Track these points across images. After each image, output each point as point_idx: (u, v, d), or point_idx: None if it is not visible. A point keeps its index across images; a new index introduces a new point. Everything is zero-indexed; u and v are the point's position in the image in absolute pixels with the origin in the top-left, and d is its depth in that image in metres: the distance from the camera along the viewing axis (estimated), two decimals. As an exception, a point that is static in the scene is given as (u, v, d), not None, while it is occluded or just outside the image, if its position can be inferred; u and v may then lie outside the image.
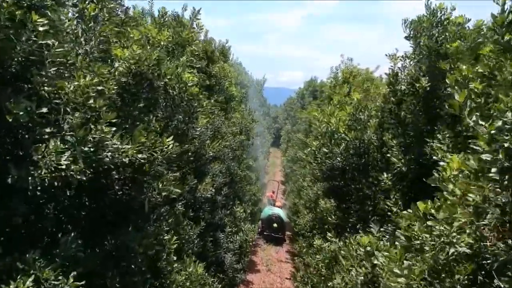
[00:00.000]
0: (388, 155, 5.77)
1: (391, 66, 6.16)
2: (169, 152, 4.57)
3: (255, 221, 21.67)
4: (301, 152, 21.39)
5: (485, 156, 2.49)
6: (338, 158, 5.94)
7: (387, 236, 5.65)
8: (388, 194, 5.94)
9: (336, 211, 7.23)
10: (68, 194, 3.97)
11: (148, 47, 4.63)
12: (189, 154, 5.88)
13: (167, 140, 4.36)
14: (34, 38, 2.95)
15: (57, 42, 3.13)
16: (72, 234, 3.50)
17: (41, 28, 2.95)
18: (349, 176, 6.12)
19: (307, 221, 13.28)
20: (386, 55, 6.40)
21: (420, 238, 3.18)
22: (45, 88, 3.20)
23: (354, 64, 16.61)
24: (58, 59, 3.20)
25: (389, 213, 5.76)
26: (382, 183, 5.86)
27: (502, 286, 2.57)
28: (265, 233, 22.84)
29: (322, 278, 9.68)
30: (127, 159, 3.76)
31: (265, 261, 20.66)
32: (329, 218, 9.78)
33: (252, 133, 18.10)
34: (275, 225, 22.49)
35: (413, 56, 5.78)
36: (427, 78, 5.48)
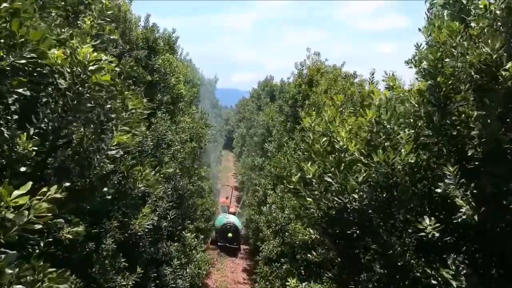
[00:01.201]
0: (439, 190, 3.49)
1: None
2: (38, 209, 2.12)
3: (208, 239, 19.20)
4: (260, 159, 19.11)
5: None
6: (355, 195, 3.58)
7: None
8: (435, 253, 3.66)
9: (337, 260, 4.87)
10: None
11: None
12: (99, 194, 3.35)
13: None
14: None
15: None
16: None
17: None
18: (367, 224, 3.79)
19: (274, 246, 10.92)
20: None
21: None
22: None
23: (321, 60, 14.47)
24: None
25: None
26: (424, 234, 3.58)
27: None
28: (219, 243, 20.97)
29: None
30: None
31: (219, 284, 18.11)
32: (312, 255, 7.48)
33: (205, 140, 15.54)
34: (230, 234, 20.64)
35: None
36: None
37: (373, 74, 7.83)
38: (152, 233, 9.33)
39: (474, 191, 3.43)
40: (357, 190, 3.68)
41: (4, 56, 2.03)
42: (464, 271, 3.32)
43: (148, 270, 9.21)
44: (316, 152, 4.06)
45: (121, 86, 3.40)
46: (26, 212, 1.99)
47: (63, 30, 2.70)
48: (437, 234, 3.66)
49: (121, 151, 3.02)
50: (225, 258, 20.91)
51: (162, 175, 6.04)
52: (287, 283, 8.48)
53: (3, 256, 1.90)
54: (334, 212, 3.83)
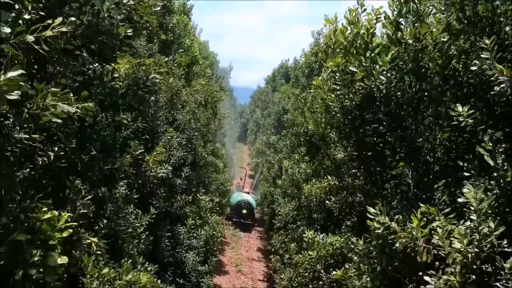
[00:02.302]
0: (474, 67, 3.21)
1: None
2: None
3: (224, 214, 19.14)
4: (274, 137, 18.89)
5: None
6: (382, 78, 3.29)
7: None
8: (473, 139, 3.37)
9: (365, 181, 4.56)
10: None
11: None
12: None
13: None
14: None
15: None
16: None
17: None
18: (393, 113, 3.50)
19: (290, 209, 10.66)
20: None
21: None
22: None
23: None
24: None
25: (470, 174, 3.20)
26: (457, 123, 3.29)
27: None
28: (234, 219, 21.80)
29: (321, 282, 7.10)
30: None
31: (234, 261, 17.95)
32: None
33: (220, 114, 15.29)
34: (244, 211, 21.64)
35: None
36: None
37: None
38: (166, 188, 9.18)
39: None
40: (384, 72, 3.40)
41: None
42: (504, 146, 3.03)
43: (162, 226, 9.06)
44: (339, 45, 3.80)
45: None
46: None
47: None
48: (471, 121, 3.38)
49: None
50: (239, 239, 20.82)
51: (176, 66, 5.65)
52: (303, 236, 8.25)
53: None
54: (359, 100, 3.55)
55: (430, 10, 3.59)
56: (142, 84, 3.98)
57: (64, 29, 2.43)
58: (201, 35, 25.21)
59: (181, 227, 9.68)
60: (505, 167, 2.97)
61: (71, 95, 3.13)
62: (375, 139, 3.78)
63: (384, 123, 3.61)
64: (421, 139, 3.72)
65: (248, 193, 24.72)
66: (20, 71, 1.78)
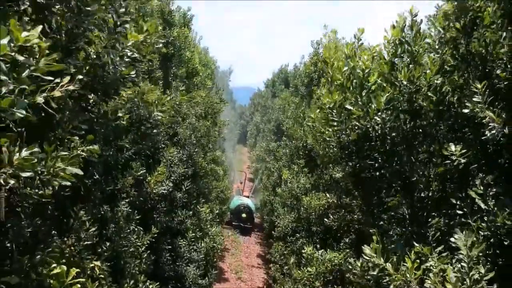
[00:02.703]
0: (466, 110, 3.32)
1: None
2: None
3: (223, 222, 19.25)
4: (274, 144, 18.96)
5: None
6: (377, 119, 3.41)
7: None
8: (463, 179, 3.48)
9: (360, 209, 4.68)
10: None
11: None
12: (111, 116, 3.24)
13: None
14: None
15: None
16: None
17: None
18: (388, 150, 3.61)
19: (289, 221, 10.77)
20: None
21: None
22: None
23: (338, 38, 14.23)
24: None
25: (464, 210, 3.31)
26: (450, 162, 3.41)
27: None
28: (233, 223, 22.25)
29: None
30: None
31: (234, 268, 18.07)
32: (327, 219, 7.34)
33: (220, 123, 15.37)
34: (244, 215, 22.04)
35: None
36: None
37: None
38: (167, 203, 9.28)
39: (503, 110, 3.25)
40: (379, 113, 3.52)
41: None
42: (494, 190, 3.14)
43: (163, 240, 9.17)
44: (336, 81, 3.90)
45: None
46: (37, 50, 1.89)
47: None
48: (463, 161, 3.49)
49: (136, 54, 2.92)
50: (239, 245, 20.94)
51: (177, 104, 5.87)
52: (302, 251, 8.36)
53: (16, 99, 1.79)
54: (355, 137, 3.66)
55: (424, 49, 3.70)
56: (145, 121, 4.09)
57: (71, 87, 2.52)
58: (202, 41, 25.27)
59: (182, 240, 9.78)
60: (495, 211, 3.08)
61: (77, 138, 3.26)
62: (371, 173, 3.88)
63: (380, 160, 3.71)
64: (416, 174, 3.82)
65: (248, 196, 24.91)
66: (35, 149, 1.88)
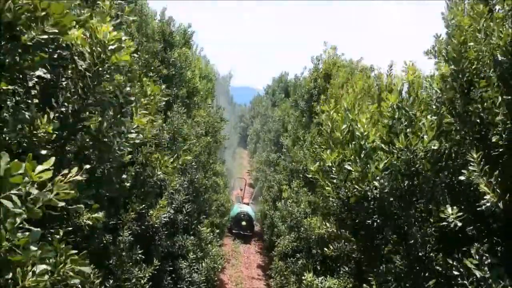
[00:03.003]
0: (462, 177, 3.41)
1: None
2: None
3: (222, 236, 19.35)
4: (274, 155, 19.05)
5: None
6: (376, 183, 3.50)
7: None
8: (457, 244, 3.57)
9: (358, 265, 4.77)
10: None
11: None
12: (121, 180, 3.33)
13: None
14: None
15: None
16: None
17: None
18: (387, 213, 3.70)
19: (289, 241, 10.86)
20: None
21: None
22: None
23: (338, 54, 14.33)
24: None
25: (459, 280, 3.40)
26: (446, 224, 3.50)
27: None
28: (233, 231, 22.49)
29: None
30: None
31: (234, 279, 18.16)
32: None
33: (220, 137, 15.48)
34: (243, 223, 22.38)
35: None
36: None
37: (391, 66, 7.72)
38: (168, 226, 9.35)
39: (499, 179, 3.34)
40: (378, 178, 3.60)
41: (25, 31, 2.02)
42: (489, 261, 3.23)
43: (164, 263, 9.25)
44: (335, 140, 3.99)
45: (139, 72, 3.39)
46: (50, 186, 1.98)
47: (82, 11, 2.69)
48: (459, 224, 3.57)
49: (141, 135, 3.01)
50: (240, 255, 21.04)
51: (180, 164, 6.02)
52: (303, 278, 8.45)
53: (27, 233, 1.89)
54: (353, 201, 3.75)
55: (422, 111, 3.79)
56: (148, 181, 4.17)
57: (79, 177, 2.59)
58: (202, 52, 25.29)
59: (183, 261, 9.86)
60: (490, 282, 3.17)
61: (82, 206, 3.34)
62: (370, 229, 3.98)
63: (378, 220, 3.81)
64: (413, 232, 3.91)
65: (248, 203, 25.18)
66: (48, 268, 1.96)
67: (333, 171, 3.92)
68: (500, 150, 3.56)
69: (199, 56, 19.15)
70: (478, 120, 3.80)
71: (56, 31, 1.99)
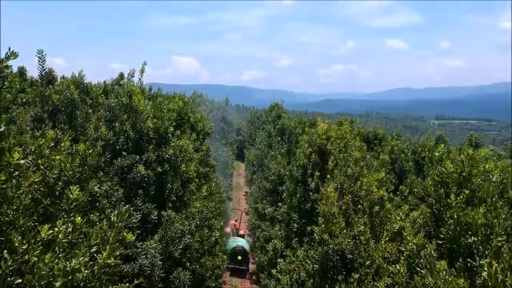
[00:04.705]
0: None
1: None
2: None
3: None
4: (270, 209, 19.02)
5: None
6: None
7: None
8: None
9: None
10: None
11: None
12: None
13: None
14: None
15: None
16: None
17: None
18: None
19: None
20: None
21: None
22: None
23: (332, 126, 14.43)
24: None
25: None
26: None
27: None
28: (230, 266, 22.38)
29: None
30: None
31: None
32: None
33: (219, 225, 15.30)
34: (239, 257, 22.71)
35: None
36: None
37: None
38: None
39: None
40: None
41: None
42: None
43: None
44: None
45: None
46: None
47: None
48: None
49: None
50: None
51: None
52: None
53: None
54: None
55: None
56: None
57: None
58: (199, 98, 25.40)
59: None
60: None
61: None
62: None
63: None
64: None
65: (243, 235, 25.49)
66: None
67: None
68: None
69: (195, 109, 19.18)
70: None
71: None
